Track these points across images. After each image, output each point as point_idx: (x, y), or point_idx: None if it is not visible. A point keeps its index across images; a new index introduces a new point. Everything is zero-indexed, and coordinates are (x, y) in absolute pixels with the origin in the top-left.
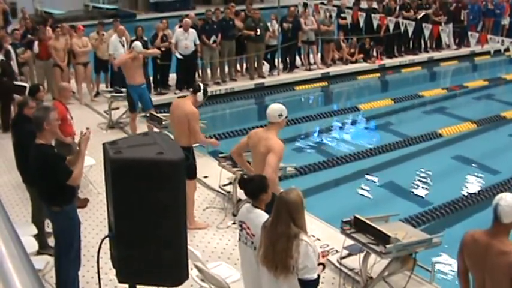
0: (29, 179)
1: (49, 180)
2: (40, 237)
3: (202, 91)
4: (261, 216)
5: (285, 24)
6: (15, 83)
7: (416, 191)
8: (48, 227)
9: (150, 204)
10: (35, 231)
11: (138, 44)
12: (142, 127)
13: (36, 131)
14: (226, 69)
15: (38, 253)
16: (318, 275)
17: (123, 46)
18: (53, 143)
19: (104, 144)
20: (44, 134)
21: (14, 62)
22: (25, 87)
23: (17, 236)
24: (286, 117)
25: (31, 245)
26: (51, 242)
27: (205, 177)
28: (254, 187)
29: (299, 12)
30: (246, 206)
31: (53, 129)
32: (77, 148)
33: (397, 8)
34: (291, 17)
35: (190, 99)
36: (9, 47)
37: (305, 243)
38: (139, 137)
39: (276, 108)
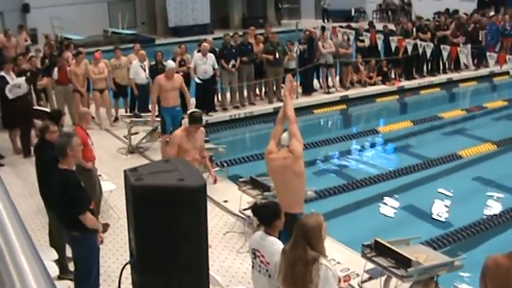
0: (50, 203)
1: (71, 205)
2: (61, 262)
3: (187, 116)
4: (276, 243)
5: (300, 46)
6: (36, 107)
7: (437, 214)
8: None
9: (172, 230)
10: (55, 256)
11: (170, 62)
12: None
13: (60, 156)
14: (245, 93)
15: (59, 278)
16: None
17: (144, 71)
18: (73, 168)
19: (125, 171)
20: (67, 159)
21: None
22: (47, 112)
23: (42, 262)
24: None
25: (52, 270)
26: (71, 266)
27: (225, 201)
28: (268, 213)
29: (317, 35)
30: (258, 234)
31: (76, 155)
32: (98, 173)
33: (414, 29)
34: (306, 39)
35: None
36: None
37: (325, 267)
38: (160, 163)
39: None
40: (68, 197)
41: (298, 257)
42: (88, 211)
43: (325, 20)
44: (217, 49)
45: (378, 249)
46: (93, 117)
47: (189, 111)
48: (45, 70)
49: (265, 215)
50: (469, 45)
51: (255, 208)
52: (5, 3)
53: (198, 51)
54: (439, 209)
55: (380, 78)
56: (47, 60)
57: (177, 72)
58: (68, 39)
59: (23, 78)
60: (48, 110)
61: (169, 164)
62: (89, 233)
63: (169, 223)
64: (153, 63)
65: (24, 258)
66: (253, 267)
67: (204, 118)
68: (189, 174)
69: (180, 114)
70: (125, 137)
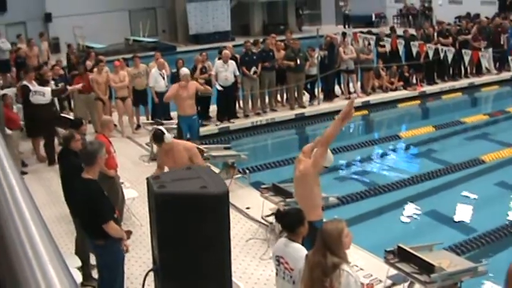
0: (75, 210)
1: (94, 215)
2: (84, 269)
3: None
4: (300, 250)
5: (320, 52)
6: (64, 115)
7: (460, 219)
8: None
9: (195, 237)
10: (79, 263)
11: (184, 70)
12: None
13: (87, 164)
14: (267, 99)
15: (82, 285)
16: None
17: (164, 79)
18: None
19: (147, 178)
20: (94, 167)
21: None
22: (70, 119)
23: (69, 270)
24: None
25: (75, 277)
26: (94, 273)
27: (248, 208)
28: (291, 220)
29: (338, 41)
30: (282, 240)
31: (101, 163)
32: (120, 181)
33: (436, 34)
34: (327, 45)
35: None
36: (52, 83)
37: (346, 273)
38: (183, 171)
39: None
40: (91, 207)
41: (317, 263)
42: (112, 220)
43: (346, 26)
44: (237, 55)
45: (401, 255)
46: (115, 125)
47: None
48: (71, 78)
49: (288, 222)
50: (490, 49)
51: (278, 214)
52: (28, 12)
53: (219, 58)
54: (462, 215)
55: (401, 83)
56: (76, 71)
57: (196, 80)
58: (90, 48)
59: (49, 88)
60: (71, 117)
61: (191, 172)
62: (114, 241)
63: (192, 230)
64: (174, 70)
65: (51, 267)
66: (277, 274)
67: (226, 125)
68: (212, 181)
69: (196, 122)
70: (146, 144)
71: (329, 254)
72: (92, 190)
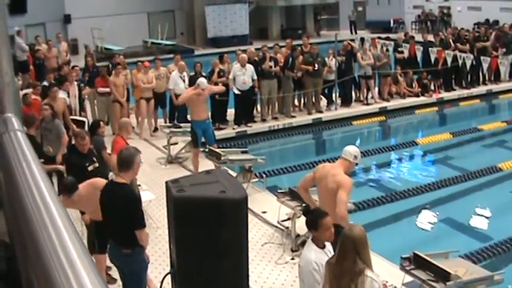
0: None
1: (128, 220)
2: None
3: None
4: (307, 250)
5: (338, 58)
6: (74, 118)
7: (476, 227)
8: None
9: (213, 242)
10: None
11: (203, 81)
12: (202, 162)
13: (122, 168)
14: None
15: None
16: None
17: (184, 81)
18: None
19: (166, 182)
20: (128, 173)
21: (76, 99)
22: (84, 122)
23: (100, 274)
24: (357, 164)
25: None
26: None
27: (264, 212)
28: (308, 220)
29: (356, 48)
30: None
31: (135, 171)
32: (137, 183)
33: (452, 40)
34: (344, 50)
35: None
36: (75, 84)
37: (370, 279)
38: (202, 175)
39: (354, 149)
40: (127, 211)
41: (347, 270)
42: (145, 227)
43: (353, 32)
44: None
45: (417, 262)
46: (132, 127)
47: None
48: (88, 81)
49: (306, 220)
50: (510, 56)
51: (305, 211)
52: (47, 14)
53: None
54: (479, 222)
55: (419, 89)
56: (87, 74)
57: (215, 84)
58: (108, 50)
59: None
60: (85, 119)
61: (210, 176)
62: (141, 249)
63: (210, 235)
64: (192, 74)
65: (82, 268)
66: None
67: (243, 129)
68: (231, 186)
69: (210, 126)
70: (164, 147)
71: (358, 259)
72: (130, 194)
